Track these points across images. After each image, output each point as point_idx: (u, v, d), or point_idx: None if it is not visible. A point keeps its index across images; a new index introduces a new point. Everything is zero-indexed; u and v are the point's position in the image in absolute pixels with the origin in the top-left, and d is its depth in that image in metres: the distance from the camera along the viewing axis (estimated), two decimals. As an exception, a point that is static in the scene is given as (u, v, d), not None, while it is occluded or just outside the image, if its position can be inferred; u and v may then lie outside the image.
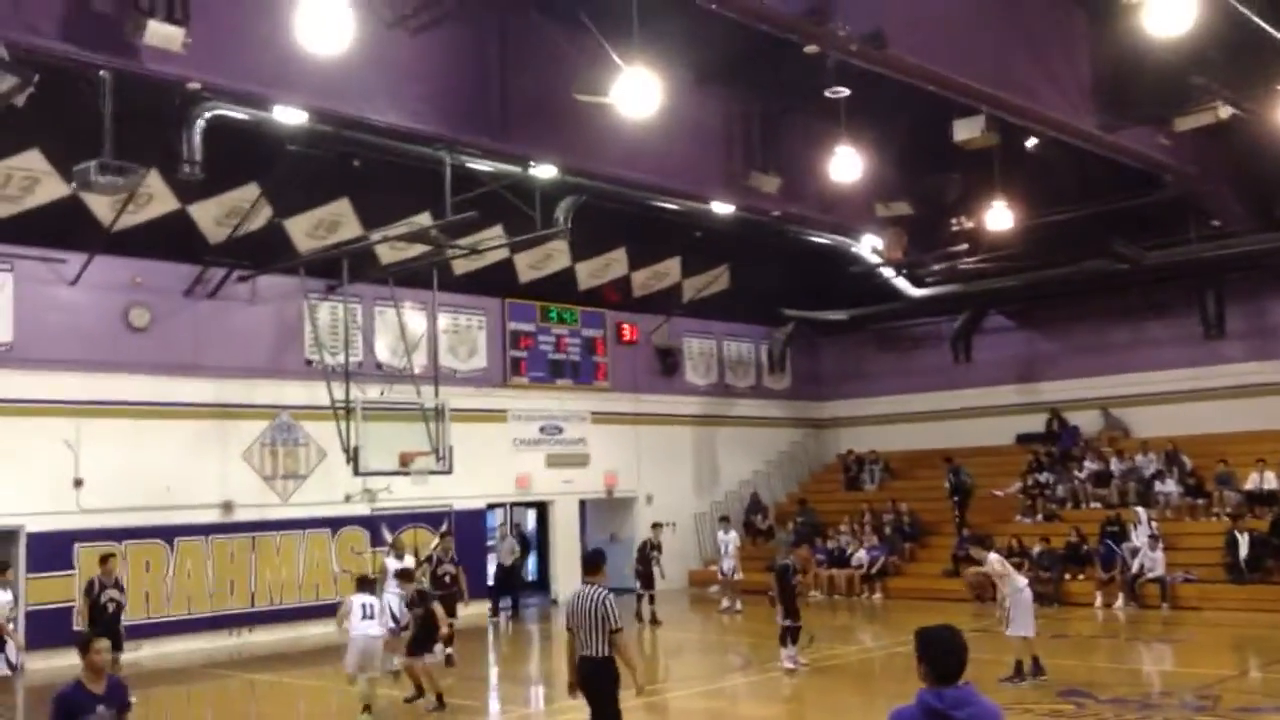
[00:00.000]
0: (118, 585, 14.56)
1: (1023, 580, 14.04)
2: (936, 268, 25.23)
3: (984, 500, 24.83)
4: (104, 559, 14.93)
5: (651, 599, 20.62)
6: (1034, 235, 21.76)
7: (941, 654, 4.47)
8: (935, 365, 28.27)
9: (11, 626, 13.26)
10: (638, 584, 20.89)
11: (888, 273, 25.59)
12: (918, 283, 26.01)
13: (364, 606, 12.60)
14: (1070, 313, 26.13)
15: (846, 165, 17.23)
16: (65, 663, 15.41)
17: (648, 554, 21.14)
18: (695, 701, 13.62)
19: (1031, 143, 18.81)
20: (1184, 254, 22.61)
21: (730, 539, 22.59)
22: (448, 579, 16.55)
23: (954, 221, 22.48)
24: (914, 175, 21.27)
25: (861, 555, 23.92)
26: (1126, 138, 17.51)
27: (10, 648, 13.04)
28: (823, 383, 30.94)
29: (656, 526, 22.17)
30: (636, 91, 12.30)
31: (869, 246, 24.14)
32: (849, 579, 23.81)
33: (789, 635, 15.02)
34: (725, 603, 21.97)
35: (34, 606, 17.26)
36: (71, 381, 17.70)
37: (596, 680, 8.64)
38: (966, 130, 17.10)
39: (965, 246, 23.40)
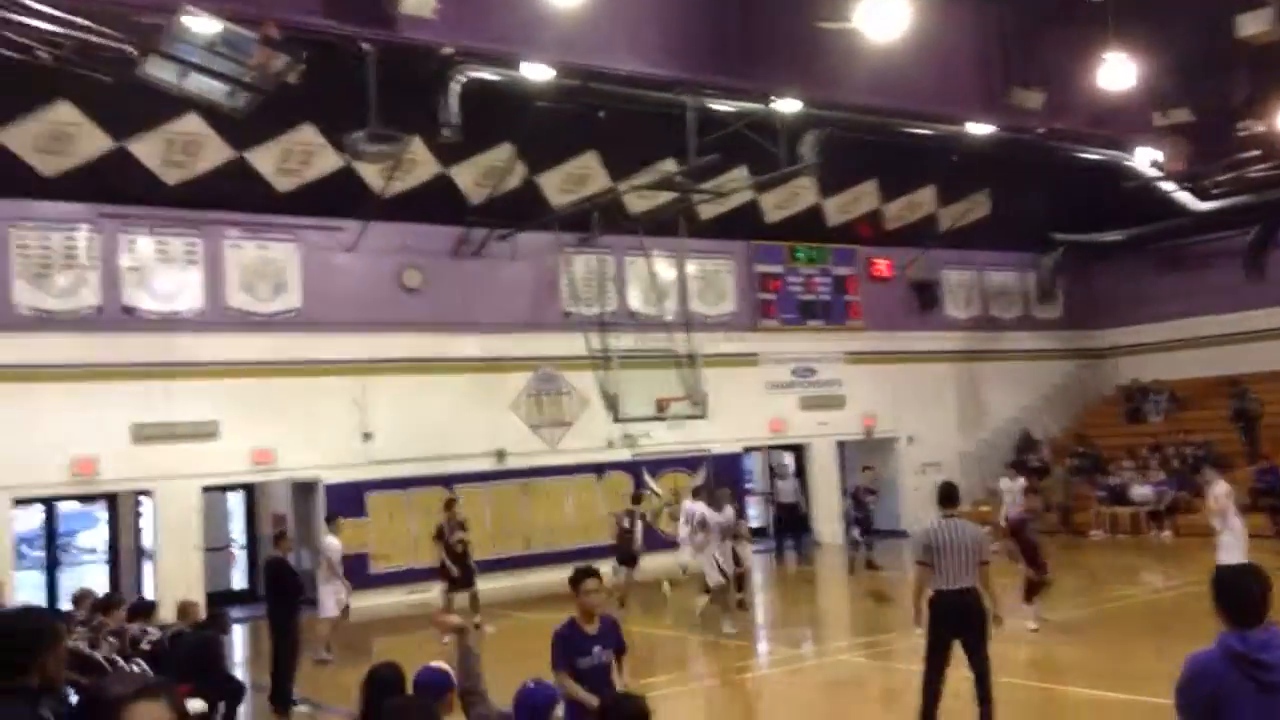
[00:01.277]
0: (463, 526, 15.83)
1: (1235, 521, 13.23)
2: (1223, 178, 23.06)
3: (1284, 429, 22.73)
4: (448, 504, 16.45)
5: (869, 545, 19.81)
6: (1336, 134, 19.54)
7: (1240, 595, 4.12)
8: (1224, 285, 25.92)
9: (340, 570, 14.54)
10: (855, 530, 20.18)
11: (1168, 187, 23.65)
12: (1202, 195, 23.90)
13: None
14: (1383, 217, 23.34)
15: (1117, 73, 16.06)
16: (362, 603, 16.70)
17: (862, 499, 20.29)
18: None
19: (1330, 30, 16.84)
20: None
21: (1016, 486, 19.22)
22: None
23: (1241, 126, 20.46)
24: (1194, 79, 19.48)
25: (1146, 491, 22.44)
26: None
27: (342, 589, 14.32)
28: (1098, 310, 29.05)
29: (867, 469, 21.39)
30: (882, 13, 11.82)
31: (1146, 159, 22.36)
32: (1133, 516, 22.42)
33: (1034, 590, 13.70)
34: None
35: (334, 551, 18.69)
36: (355, 342, 18.94)
37: (970, 612, 8.47)
38: (1253, 24, 15.57)
39: (1255, 153, 21.27)
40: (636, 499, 18.69)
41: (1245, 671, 3.95)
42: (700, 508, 15.55)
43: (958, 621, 8.43)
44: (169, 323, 17.82)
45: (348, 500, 18.75)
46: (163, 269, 17.85)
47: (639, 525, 17.65)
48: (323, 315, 18.87)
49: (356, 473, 18.93)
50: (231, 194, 17.98)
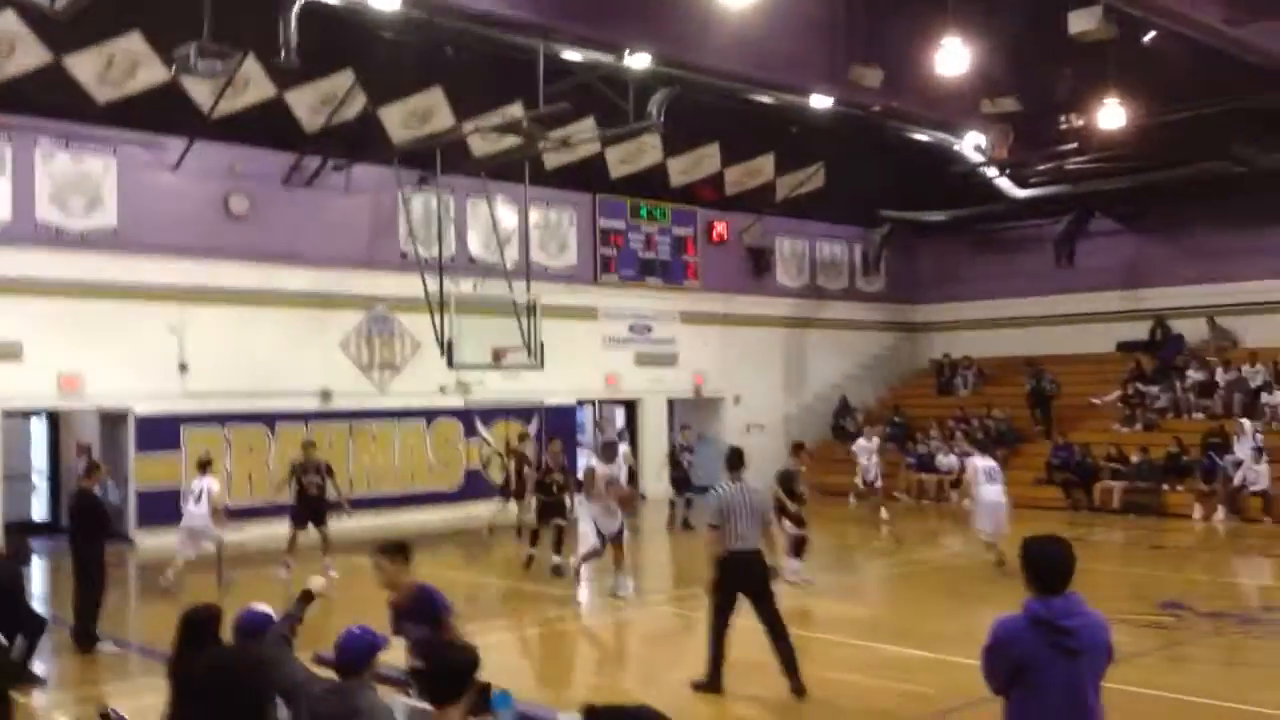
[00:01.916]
0: (318, 471, 15.22)
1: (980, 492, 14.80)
2: (1042, 168, 24.37)
3: (1082, 408, 24.33)
4: (305, 445, 15.88)
5: (688, 503, 19.51)
6: (1146, 135, 20.85)
7: (1048, 563, 4.38)
8: (1036, 270, 27.45)
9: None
10: (672, 489, 20.10)
11: (990, 173, 24.78)
12: (1021, 183, 25.17)
13: None
14: (1181, 217, 25.03)
15: (953, 58, 16.60)
16: (173, 540, 16.09)
17: (678, 457, 20.29)
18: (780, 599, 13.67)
19: (1150, 36, 17.90)
20: (1308, 157, 21.42)
21: (872, 446, 20.12)
22: (555, 488, 15.14)
23: (1063, 119, 21.59)
24: (1023, 70, 20.45)
25: (950, 460, 23.65)
26: (1253, 32, 16.54)
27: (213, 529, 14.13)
28: (918, 286, 30.33)
29: (685, 429, 21.55)
30: (738, -23, 11.90)
31: (972, 145, 23.34)
32: (938, 483, 23.62)
33: (797, 546, 13.94)
34: (885, 515, 19.48)
35: (142, 487, 17.96)
36: (175, 267, 18.08)
37: (756, 571, 8.90)
38: (1083, 21, 16.30)
39: (1074, 146, 22.52)
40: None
41: (1049, 637, 4.22)
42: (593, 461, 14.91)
43: (745, 579, 8.86)
44: (-30, 234, 16.64)
45: (161, 433, 18.02)
46: (-35, 175, 16.62)
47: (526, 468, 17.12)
48: (140, 236, 17.92)
49: (171, 405, 18.16)
50: (46, 100, 16.83)
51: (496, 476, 20.29)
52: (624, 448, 20.48)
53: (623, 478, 15.54)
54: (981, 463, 15.23)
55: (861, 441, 20.56)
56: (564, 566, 14.23)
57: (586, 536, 14.10)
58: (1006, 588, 13.72)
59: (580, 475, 14.53)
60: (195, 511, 14.15)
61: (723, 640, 8.86)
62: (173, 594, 13.16)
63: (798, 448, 15.43)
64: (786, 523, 13.63)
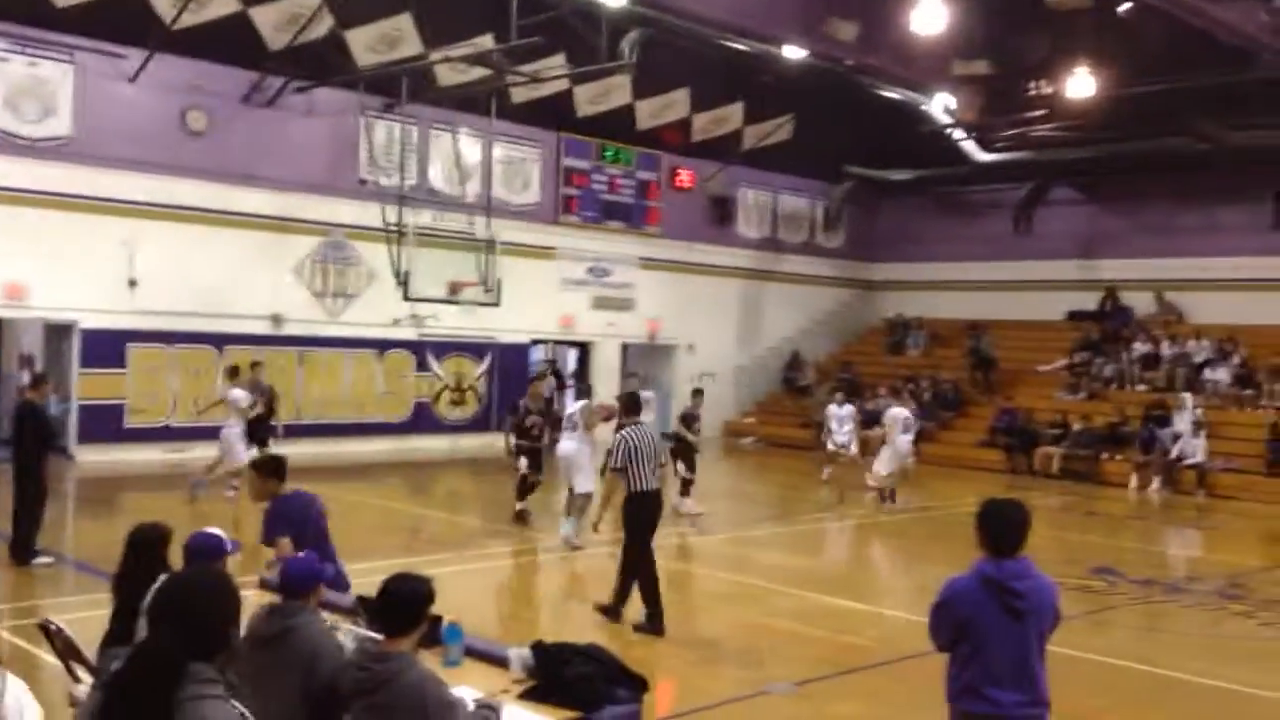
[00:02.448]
0: (261, 391, 15.43)
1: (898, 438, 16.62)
2: (1008, 133, 24.48)
3: (1028, 374, 24.69)
4: (253, 365, 16.08)
5: None
6: (1113, 107, 21.01)
7: (1002, 526, 4.45)
8: (994, 234, 27.67)
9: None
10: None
11: (957, 134, 24.86)
12: (986, 147, 25.30)
13: None
14: (1139, 190, 25.34)
15: (929, 17, 16.58)
16: (114, 456, 15.95)
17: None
18: (722, 548, 13.85)
19: (1125, 7, 17.96)
20: (1268, 138, 21.68)
21: (845, 413, 18.80)
22: (535, 430, 14.05)
23: (1032, 86, 21.69)
24: (998, 34, 20.46)
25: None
26: (1227, 10, 16.65)
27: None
28: (876, 244, 30.47)
29: (632, 376, 21.20)
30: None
31: (941, 106, 23.38)
32: (883, 440, 23.84)
33: (687, 488, 15.03)
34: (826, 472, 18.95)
35: (86, 401, 17.70)
36: (129, 181, 17.70)
37: (657, 511, 9.32)
38: (1060, -12, 16.32)
39: (1042, 112, 22.64)
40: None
41: (998, 597, 4.31)
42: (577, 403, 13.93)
43: (651, 518, 9.25)
44: (-84, 134, 16.15)
45: (106, 349, 17.76)
46: (-88, 73, 16.09)
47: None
48: (95, 148, 17.49)
49: (118, 320, 17.86)
50: (2, 2, 16.30)
51: (445, 411, 20.25)
52: (548, 383, 19.81)
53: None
54: (900, 412, 16.96)
55: (833, 408, 18.98)
56: (570, 537, 12.59)
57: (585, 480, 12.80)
58: (944, 544, 14.03)
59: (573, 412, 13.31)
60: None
61: (633, 577, 9.15)
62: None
63: (697, 392, 16.52)
64: (680, 464, 14.89)
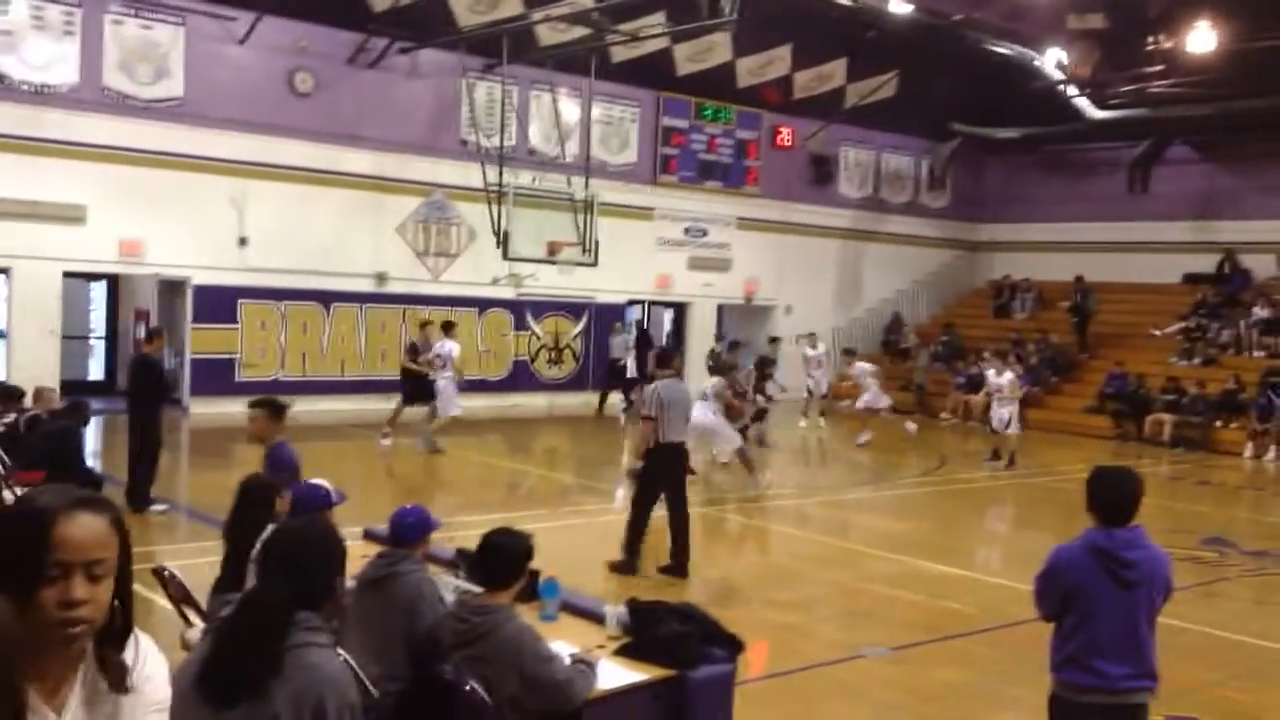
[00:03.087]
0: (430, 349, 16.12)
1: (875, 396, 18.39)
2: (1124, 89, 23.56)
3: (1142, 338, 23.93)
4: (423, 325, 17.28)
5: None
6: (1234, 61, 20.11)
7: (1115, 495, 4.32)
8: (1107, 194, 26.74)
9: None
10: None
11: (1070, 91, 24.01)
12: (1100, 104, 24.38)
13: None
14: (1260, 149, 24.17)
15: (1043, -32, 15.99)
16: (225, 409, 16.46)
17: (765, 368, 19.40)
18: (821, 509, 13.77)
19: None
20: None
21: (819, 353, 20.84)
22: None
23: (1150, 40, 20.84)
24: (1114, -15, 19.66)
25: (1001, 382, 23.34)
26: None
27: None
28: (983, 204, 29.70)
29: (723, 340, 21.45)
30: None
31: (1054, 61, 22.60)
32: (986, 405, 23.36)
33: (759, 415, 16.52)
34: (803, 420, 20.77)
35: (198, 355, 18.28)
36: (238, 141, 18.11)
37: (683, 462, 9.65)
38: (1182, -64, 15.60)
39: (1159, 68, 21.75)
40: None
41: (1107, 567, 4.19)
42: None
43: (671, 467, 9.44)
44: (40, 96, 16.71)
45: (218, 304, 18.29)
46: (36, 36, 16.63)
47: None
48: (206, 109, 17.93)
49: (229, 277, 18.37)
50: (115, -34, 16.77)
51: (545, 369, 20.47)
52: (621, 340, 21.54)
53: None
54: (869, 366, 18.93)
55: (808, 351, 20.87)
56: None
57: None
58: (1047, 513, 13.73)
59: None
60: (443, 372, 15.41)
61: (644, 525, 9.34)
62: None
63: (774, 340, 19.57)
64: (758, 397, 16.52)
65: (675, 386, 9.50)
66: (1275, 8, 18.77)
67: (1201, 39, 18.77)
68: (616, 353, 21.95)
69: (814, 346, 20.92)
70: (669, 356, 10.25)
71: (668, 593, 7.93)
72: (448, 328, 16.08)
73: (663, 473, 9.42)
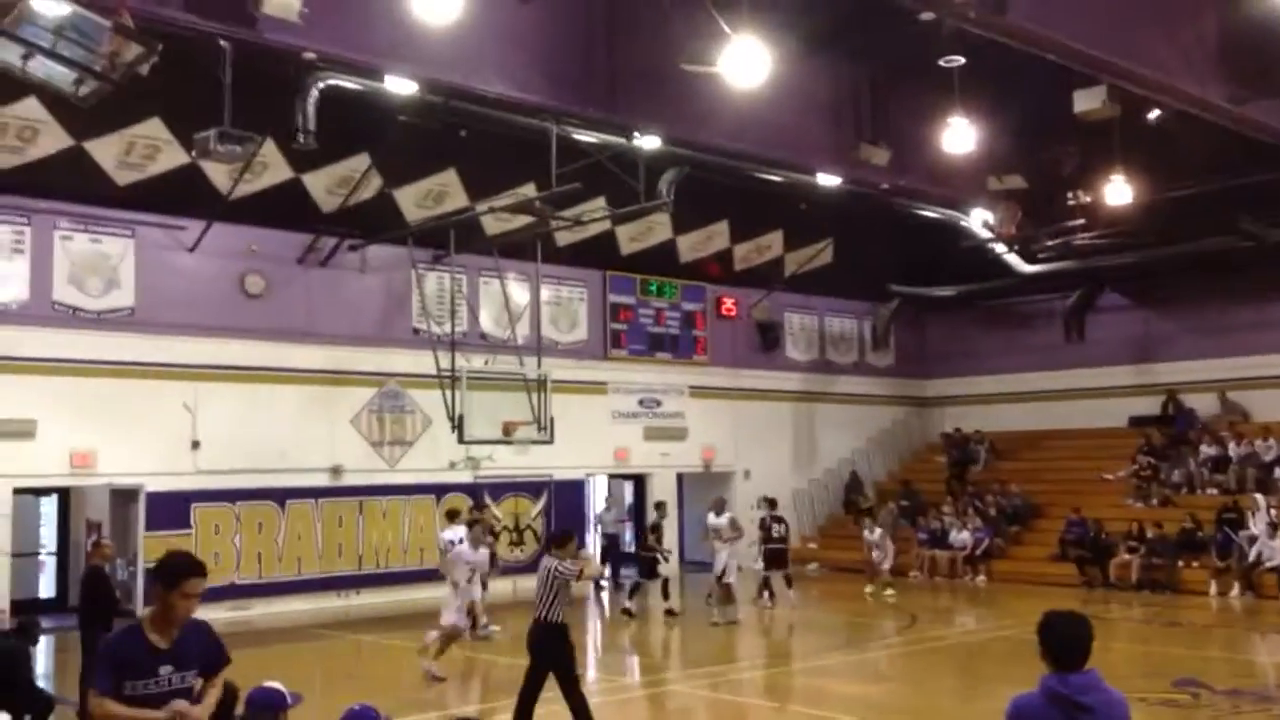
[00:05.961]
0: (494, 535, 16.57)
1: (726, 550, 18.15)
2: (1050, 243, 24.51)
3: (1094, 483, 24.20)
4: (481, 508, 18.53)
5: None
6: (1154, 211, 21.03)
7: (1067, 640, 4.38)
8: (1045, 344, 27.51)
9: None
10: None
11: (999, 248, 24.96)
12: (1030, 259, 25.32)
13: None
14: (1189, 292, 25.11)
15: (959, 137, 16.85)
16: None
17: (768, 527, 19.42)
18: (794, 679, 13.54)
19: (1154, 114, 18.14)
20: (1314, 233, 21.55)
21: (875, 538, 21.16)
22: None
23: (1070, 196, 21.83)
24: (1030, 148, 20.70)
25: (964, 537, 23.47)
26: (1256, 110, 16.71)
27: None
28: (927, 360, 30.38)
29: (659, 506, 21.00)
30: (744, 61, 12.13)
31: (980, 221, 23.56)
32: (951, 560, 23.39)
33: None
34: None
35: (151, 564, 17.91)
36: (190, 346, 18.24)
37: (566, 641, 9.65)
38: (1087, 101, 16.56)
39: (1081, 222, 22.72)
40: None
41: (1067, 713, 4.20)
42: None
43: (558, 648, 9.53)
44: (-11, 313, 16.85)
45: (172, 511, 18.04)
46: (-14, 256, 16.88)
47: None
48: (157, 316, 18.11)
49: (182, 482, 18.19)
50: (66, 184, 17.15)
51: (504, 553, 20.24)
52: (612, 514, 23.87)
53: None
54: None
55: (865, 534, 21.56)
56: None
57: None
58: (1021, 666, 13.58)
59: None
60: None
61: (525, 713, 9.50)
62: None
63: (660, 504, 20.60)
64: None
65: (566, 569, 9.58)
66: (1182, 161, 19.79)
67: (1118, 192, 19.64)
68: (607, 527, 22.01)
69: (870, 530, 21.53)
70: (566, 538, 10.06)
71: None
72: (452, 516, 16.38)
73: (548, 655, 9.43)
